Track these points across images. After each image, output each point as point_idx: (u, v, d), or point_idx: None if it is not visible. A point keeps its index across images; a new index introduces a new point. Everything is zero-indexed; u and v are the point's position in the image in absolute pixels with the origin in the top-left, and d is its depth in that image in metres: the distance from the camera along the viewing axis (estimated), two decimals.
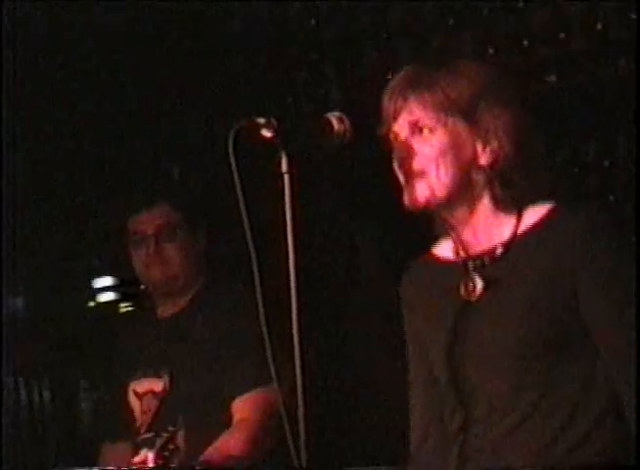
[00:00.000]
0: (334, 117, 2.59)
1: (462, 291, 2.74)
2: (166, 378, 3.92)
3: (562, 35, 4.32)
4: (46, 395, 5.09)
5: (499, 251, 2.72)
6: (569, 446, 2.60)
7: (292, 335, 2.47)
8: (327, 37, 4.88)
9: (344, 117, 2.59)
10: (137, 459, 3.51)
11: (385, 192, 2.87)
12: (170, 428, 3.60)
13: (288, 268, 2.48)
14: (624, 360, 2.59)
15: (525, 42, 4.37)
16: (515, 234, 2.71)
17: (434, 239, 2.89)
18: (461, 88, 2.68)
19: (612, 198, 4.35)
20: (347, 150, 2.63)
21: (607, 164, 4.39)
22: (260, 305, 2.50)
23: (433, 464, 2.84)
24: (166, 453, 3.49)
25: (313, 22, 4.83)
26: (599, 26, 4.27)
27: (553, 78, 4.35)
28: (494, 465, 2.66)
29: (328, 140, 2.59)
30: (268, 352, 2.49)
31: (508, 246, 2.71)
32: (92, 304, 4.93)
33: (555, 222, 2.67)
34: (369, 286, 4.81)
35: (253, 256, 2.50)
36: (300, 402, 2.47)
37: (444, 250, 2.85)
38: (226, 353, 3.76)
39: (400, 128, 2.71)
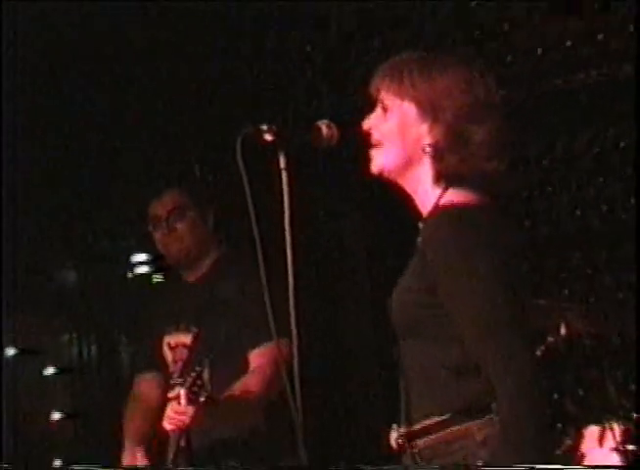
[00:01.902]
0: (323, 125, 2.59)
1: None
2: (195, 331, 3.82)
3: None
4: (93, 348, 5.08)
5: (421, 224, 2.61)
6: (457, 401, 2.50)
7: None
8: (320, 59, 4.82)
9: (332, 124, 2.59)
10: (171, 395, 3.47)
11: (369, 185, 2.87)
12: (197, 368, 3.53)
13: (286, 252, 2.48)
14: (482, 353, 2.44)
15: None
16: (431, 213, 2.58)
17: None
18: (420, 82, 2.59)
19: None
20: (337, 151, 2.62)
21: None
22: (263, 277, 2.50)
23: None
24: (195, 389, 3.43)
25: (308, 48, 4.78)
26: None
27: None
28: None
29: (318, 142, 2.58)
30: (269, 312, 2.49)
31: (424, 221, 2.60)
32: (130, 275, 4.89)
33: (438, 217, 2.55)
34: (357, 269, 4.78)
35: (258, 240, 2.50)
36: (296, 358, 2.45)
37: None
38: (244, 311, 3.62)
39: (377, 107, 2.65)
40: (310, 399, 2.45)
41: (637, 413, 3.58)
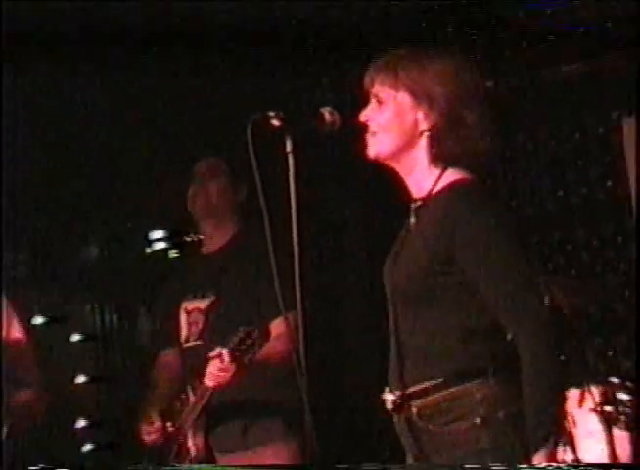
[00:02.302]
0: (326, 111, 2.63)
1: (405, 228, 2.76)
2: (212, 297, 3.84)
3: None
4: (114, 317, 5.12)
5: (419, 202, 2.70)
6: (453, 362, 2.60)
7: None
8: (323, 54, 4.77)
9: (334, 111, 2.63)
10: (213, 354, 3.46)
11: (368, 170, 2.86)
12: (243, 328, 3.47)
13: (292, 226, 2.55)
14: (506, 308, 2.55)
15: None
16: (430, 192, 2.67)
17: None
18: (413, 74, 2.66)
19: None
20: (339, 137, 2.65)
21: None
22: (271, 255, 2.56)
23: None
24: (243, 347, 3.42)
25: (311, 41, 4.69)
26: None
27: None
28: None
29: (321, 127, 2.63)
30: (276, 286, 2.54)
31: (424, 199, 2.68)
32: (148, 250, 4.91)
33: (451, 194, 2.63)
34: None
35: (266, 219, 2.56)
36: (301, 329, 2.50)
37: None
38: (262, 283, 3.58)
39: (372, 100, 2.72)
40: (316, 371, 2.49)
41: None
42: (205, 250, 4.02)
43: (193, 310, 3.91)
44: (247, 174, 3.44)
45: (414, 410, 2.61)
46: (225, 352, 3.41)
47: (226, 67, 4.71)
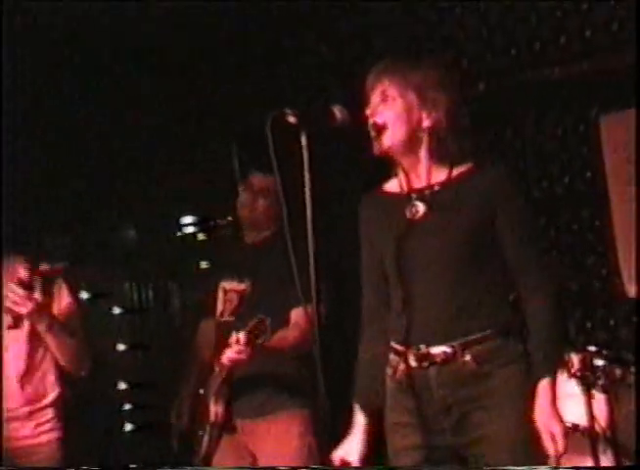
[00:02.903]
0: (336, 109, 2.70)
1: (407, 213, 2.82)
2: (248, 282, 3.92)
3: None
4: (150, 293, 5.28)
5: (436, 187, 2.81)
6: (474, 324, 2.73)
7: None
8: (332, 60, 5.00)
9: (344, 109, 2.70)
10: (232, 339, 3.52)
11: (372, 164, 2.87)
12: (260, 316, 3.54)
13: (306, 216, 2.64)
14: (527, 276, 2.73)
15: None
16: (449, 177, 2.79)
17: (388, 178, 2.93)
18: (418, 75, 2.78)
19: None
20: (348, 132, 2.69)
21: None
22: (290, 251, 2.67)
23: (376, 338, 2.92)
24: (256, 332, 3.49)
25: (324, 48, 4.93)
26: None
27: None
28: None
29: (332, 124, 2.69)
30: (296, 278, 2.63)
31: (443, 184, 2.80)
32: (179, 234, 5.04)
33: (479, 173, 2.77)
34: None
35: (285, 211, 2.69)
36: (316, 318, 2.56)
37: (391, 186, 2.92)
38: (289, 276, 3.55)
39: (375, 96, 2.81)
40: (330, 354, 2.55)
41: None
42: (247, 240, 4.07)
43: (230, 290, 3.99)
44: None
45: (468, 357, 2.70)
46: (242, 335, 3.49)
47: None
